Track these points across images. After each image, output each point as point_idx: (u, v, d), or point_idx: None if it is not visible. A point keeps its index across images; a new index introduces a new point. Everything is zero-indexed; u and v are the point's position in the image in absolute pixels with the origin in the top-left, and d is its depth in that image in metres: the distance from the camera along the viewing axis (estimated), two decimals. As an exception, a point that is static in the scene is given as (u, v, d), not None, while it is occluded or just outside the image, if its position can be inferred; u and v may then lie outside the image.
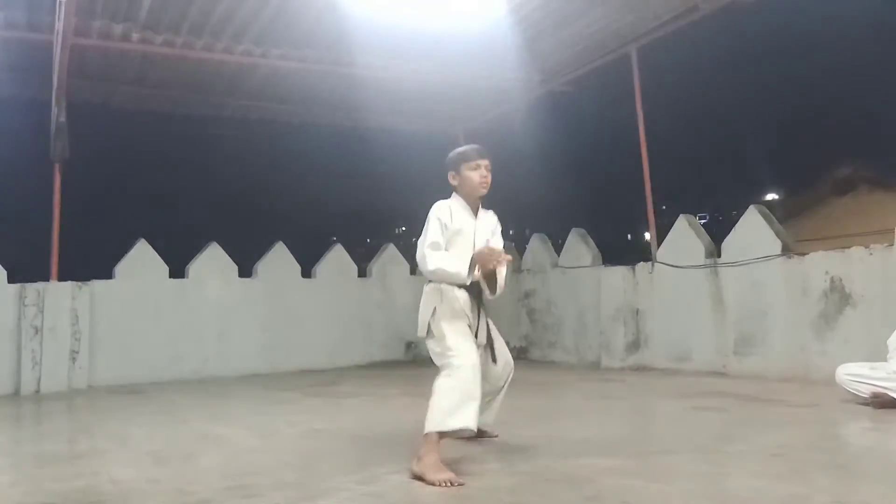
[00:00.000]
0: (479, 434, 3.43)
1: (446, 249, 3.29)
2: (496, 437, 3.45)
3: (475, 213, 3.42)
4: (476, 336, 3.25)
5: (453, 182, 3.42)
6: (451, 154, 3.47)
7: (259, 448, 3.78)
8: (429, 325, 3.21)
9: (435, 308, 3.21)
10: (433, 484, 2.78)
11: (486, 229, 3.45)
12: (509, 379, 3.49)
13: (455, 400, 2.95)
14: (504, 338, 3.56)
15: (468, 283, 3.18)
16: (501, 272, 3.31)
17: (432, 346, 3.19)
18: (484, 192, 3.40)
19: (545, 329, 8.42)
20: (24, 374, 6.64)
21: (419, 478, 2.86)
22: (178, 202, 18.91)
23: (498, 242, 3.43)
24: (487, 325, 3.35)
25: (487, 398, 3.36)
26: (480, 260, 3.16)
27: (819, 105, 22.06)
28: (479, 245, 3.31)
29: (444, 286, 3.22)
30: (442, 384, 3.01)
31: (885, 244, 5.33)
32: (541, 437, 3.74)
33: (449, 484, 2.77)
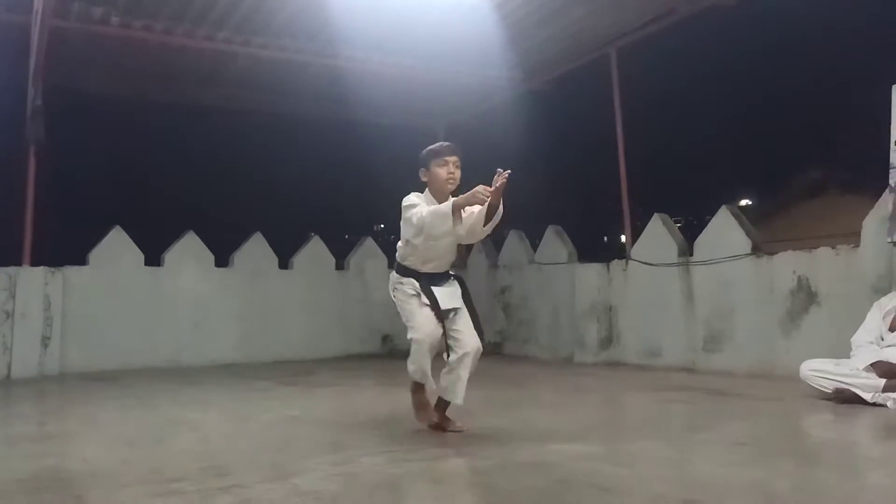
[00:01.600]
0: (444, 426, 3.54)
1: (412, 241, 3.49)
2: (462, 430, 3.51)
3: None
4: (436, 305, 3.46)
5: (423, 179, 3.54)
6: (427, 150, 3.57)
7: (232, 432, 3.80)
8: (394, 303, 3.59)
9: (395, 288, 3.58)
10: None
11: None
12: (474, 355, 3.48)
13: (414, 362, 3.46)
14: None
15: (452, 226, 3.32)
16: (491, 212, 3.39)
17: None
18: (451, 187, 3.49)
19: (520, 324, 8.50)
20: (-7, 358, 6.55)
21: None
22: (155, 189, 18.72)
23: (476, 216, 3.45)
24: (462, 296, 3.58)
25: (453, 361, 3.48)
26: (461, 202, 3.30)
27: (792, 109, 22.46)
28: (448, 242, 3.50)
29: (397, 278, 3.57)
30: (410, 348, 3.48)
31: (851, 245, 5.48)
32: (512, 425, 3.80)
33: (424, 422, 3.53)
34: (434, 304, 3.44)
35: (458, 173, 3.49)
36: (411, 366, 3.48)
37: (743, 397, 4.81)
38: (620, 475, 2.72)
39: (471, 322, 3.53)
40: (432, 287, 3.49)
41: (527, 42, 7.37)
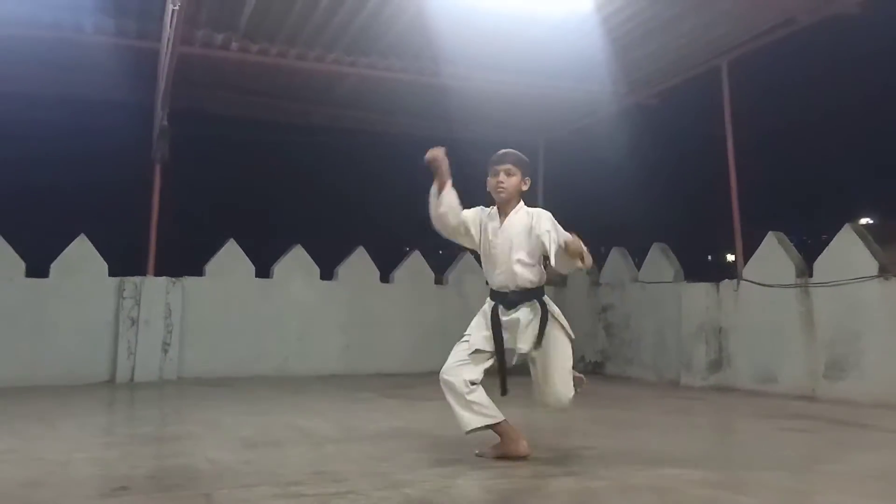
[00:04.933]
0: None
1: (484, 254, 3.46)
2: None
3: (503, 216, 3.43)
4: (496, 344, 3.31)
5: (489, 188, 3.53)
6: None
7: (342, 439, 3.90)
8: None
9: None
10: (519, 454, 3.21)
11: (515, 229, 3.37)
12: (556, 407, 3.40)
13: (455, 409, 3.29)
14: (581, 352, 3.54)
15: (436, 210, 3.37)
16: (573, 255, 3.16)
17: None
18: (501, 196, 3.42)
19: (622, 344, 8.29)
20: (119, 363, 7.03)
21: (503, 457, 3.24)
22: (267, 205, 19.64)
23: (544, 235, 3.24)
24: (542, 339, 3.28)
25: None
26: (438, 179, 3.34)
27: (920, 124, 20.90)
28: (498, 244, 3.39)
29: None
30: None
31: None
32: (622, 446, 3.71)
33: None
34: (497, 341, 3.28)
35: (509, 181, 3.39)
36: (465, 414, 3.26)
37: (870, 428, 4.48)
38: (740, 503, 2.59)
39: (552, 370, 3.30)
40: (502, 316, 3.30)
41: (632, 55, 7.24)
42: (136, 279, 7.27)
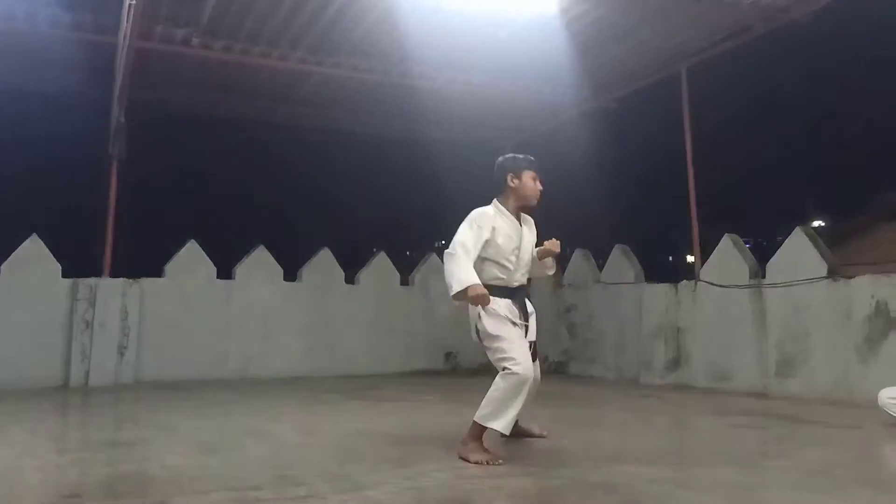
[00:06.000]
0: (528, 433, 3.60)
1: (492, 259, 3.46)
2: (545, 436, 3.54)
3: (518, 219, 3.53)
4: (526, 334, 3.42)
5: (512, 184, 3.50)
6: (513, 156, 3.57)
7: (304, 443, 3.89)
8: (476, 328, 3.38)
9: (479, 312, 3.35)
10: (474, 462, 3.12)
11: (531, 236, 3.62)
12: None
13: (501, 403, 3.22)
14: (544, 352, 3.69)
15: (452, 298, 3.34)
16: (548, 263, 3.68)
17: (486, 346, 3.38)
18: (535, 204, 3.55)
19: (585, 344, 8.40)
20: (73, 366, 6.85)
21: (464, 458, 3.18)
22: (228, 204, 19.38)
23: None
24: (535, 324, 3.58)
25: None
26: (464, 296, 3.28)
27: (870, 127, 21.57)
28: (527, 251, 3.54)
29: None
30: (498, 383, 3.26)
31: (937, 270, 5.23)
32: (580, 445, 3.77)
33: (487, 462, 3.10)
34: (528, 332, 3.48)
35: None
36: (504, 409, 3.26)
37: (818, 424, 4.63)
38: (692, 499, 2.67)
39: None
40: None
41: (595, 60, 7.35)
42: (91, 280, 7.11)
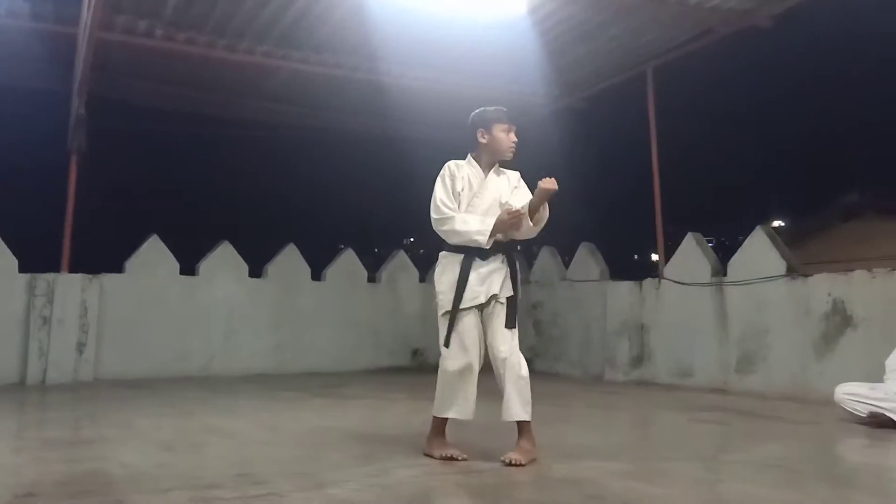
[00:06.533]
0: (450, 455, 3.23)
1: (463, 209, 3.28)
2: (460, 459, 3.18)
3: (487, 173, 3.36)
4: (483, 307, 3.25)
5: (482, 140, 3.35)
6: (482, 111, 3.41)
7: (267, 441, 3.85)
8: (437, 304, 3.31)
9: (440, 292, 3.28)
10: (434, 458, 3.12)
11: (504, 186, 3.38)
12: (513, 369, 3.23)
13: (443, 391, 3.23)
14: None
15: (487, 247, 3.20)
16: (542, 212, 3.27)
17: (439, 327, 3.29)
18: (511, 156, 3.37)
19: (551, 341, 8.46)
20: (30, 364, 6.68)
21: (428, 455, 3.17)
22: (193, 200, 19.04)
23: (523, 197, 3.33)
24: (514, 288, 3.28)
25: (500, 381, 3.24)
26: (501, 227, 3.20)
27: (828, 131, 22.15)
28: (489, 203, 3.30)
29: (452, 262, 3.25)
30: (439, 374, 3.26)
31: (888, 268, 5.39)
32: (545, 441, 3.78)
33: (449, 457, 3.11)
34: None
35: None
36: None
37: (776, 419, 4.74)
38: (653, 494, 2.70)
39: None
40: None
41: (563, 59, 7.41)
42: (49, 276, 6.94)
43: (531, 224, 3.25)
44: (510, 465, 3.03)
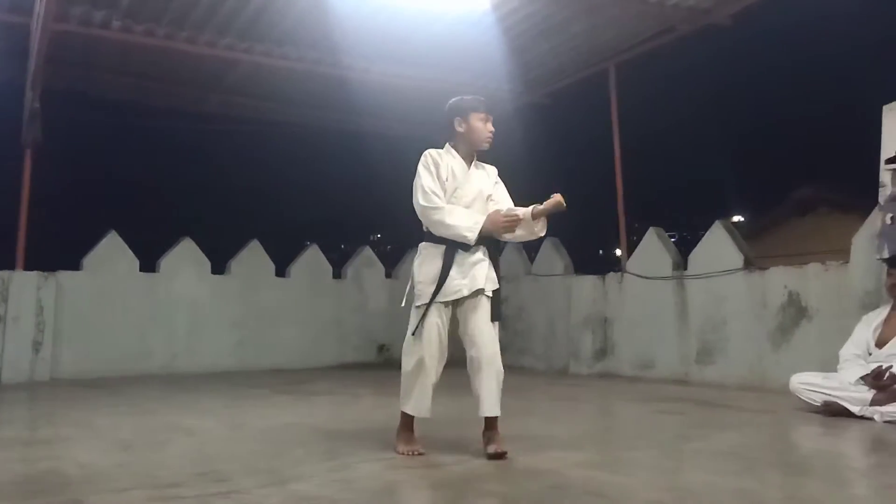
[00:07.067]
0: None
1: (447, 200, 3.22)
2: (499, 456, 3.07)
3: (469, 164, 3.32)
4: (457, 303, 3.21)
5: (459, 128, 3.30)
6: (459, 99, 3.36)
7: (229, 438, 3.80)
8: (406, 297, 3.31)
9: (412, 285, 3.27)
10: (399, 453, 3.16)
11: (486, 180, 3.34)
12: (494, 364, 3.18)
13: (404, 385, 3.24)
14: None
15: (472, 245, 3.17)
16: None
17: (411, 318, 3.28)
18: (487, 146, 3.32)
19: (516, 335, 8.51)
20: (-16, 363, 6.51)
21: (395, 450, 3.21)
22: (153, 195, 18.70)
23: (504, 195, 3.34)
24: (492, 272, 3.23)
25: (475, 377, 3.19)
26: (493, 228, 3.17)
27: (785, 127, 22.70)
28: (472, 197, 3.26)
29: (434, 253, 3.21)
30: (402, 369, 3.26)
31: (841, 261, 5.54)
32: (509, 433, 3.80)
33: (410, 453, 3.14)
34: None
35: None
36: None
37: (734, 409, 4.85)
38: (614, 482, 2.75)
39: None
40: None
41: (527, 55, 7.46)
42: (4, 273, 6.77)
43: (535, 230, 3.26)
44: (496, 455, 3.05)
